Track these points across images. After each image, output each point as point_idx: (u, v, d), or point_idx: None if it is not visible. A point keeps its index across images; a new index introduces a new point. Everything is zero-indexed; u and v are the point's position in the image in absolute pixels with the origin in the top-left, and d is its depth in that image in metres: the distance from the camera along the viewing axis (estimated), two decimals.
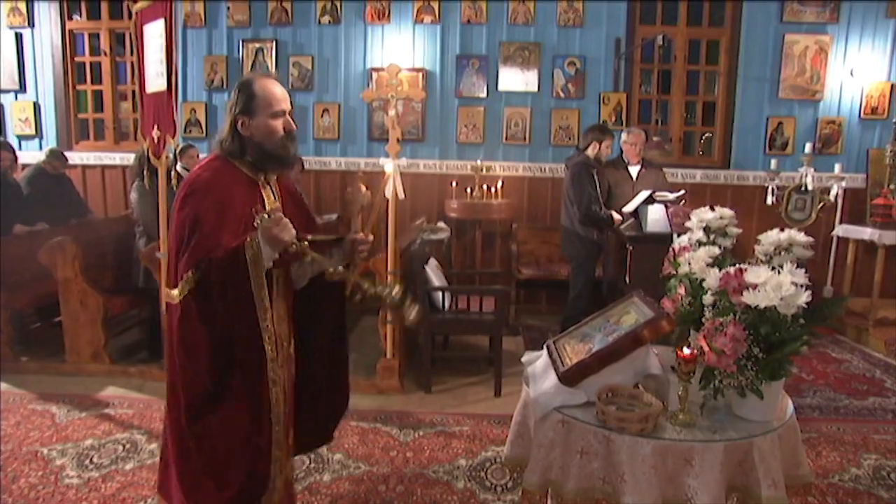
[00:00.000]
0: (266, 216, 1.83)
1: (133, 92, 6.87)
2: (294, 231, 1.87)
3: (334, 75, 6.50)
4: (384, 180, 2.12)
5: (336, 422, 2.43)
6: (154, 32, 4.12)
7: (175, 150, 5.25)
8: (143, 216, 4.80)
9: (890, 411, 4.15)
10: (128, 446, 3.46)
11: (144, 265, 4.69)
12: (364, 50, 6.44)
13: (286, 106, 2.02)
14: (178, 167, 5.33)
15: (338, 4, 6.39)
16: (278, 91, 2.00)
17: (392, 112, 4.19)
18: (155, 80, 4.18)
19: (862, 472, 3.28)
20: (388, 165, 2.26)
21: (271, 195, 2.10)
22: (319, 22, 6.44)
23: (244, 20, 6.50)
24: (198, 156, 5.69)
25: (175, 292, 1.89)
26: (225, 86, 6.60)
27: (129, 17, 4.61)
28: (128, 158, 6.04)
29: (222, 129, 2.04)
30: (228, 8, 6.49)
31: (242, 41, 6.52)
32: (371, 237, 2.21)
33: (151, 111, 4.26)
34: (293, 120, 2.07)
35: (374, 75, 6.28)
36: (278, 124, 2.00)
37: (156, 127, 4.21)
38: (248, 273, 1.84)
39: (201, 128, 6.68)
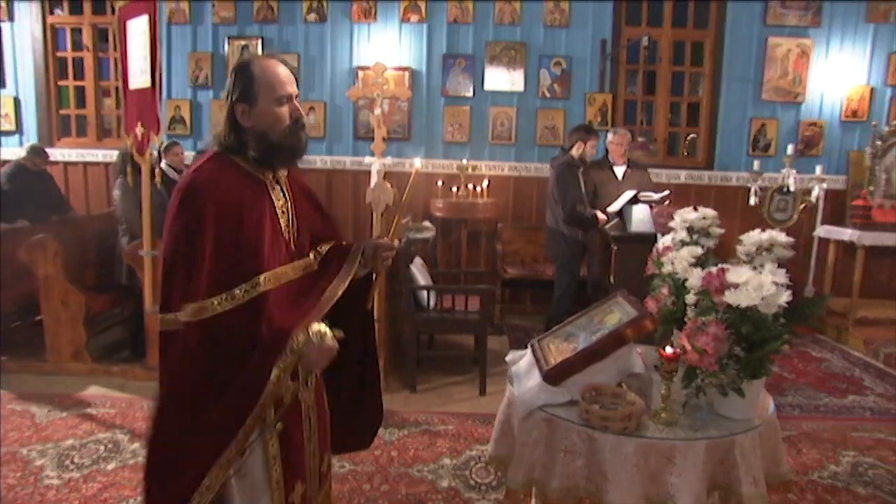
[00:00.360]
0: (319, 335, 1.61)
1: (116, 88, 6.80)
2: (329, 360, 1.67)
3: (320, 73, 6.48)
4: (410, 179, 1.91)
5: (373, 432, 2.20)
6: (137, 29, 4.09)
7: (159, 148, 5.23)
8: (126, 214, 4.76)
9: (868, 409, 4.21)
10: (110, 446, 3.43)
11: (127, 263, 4.65)
12: (350, 48, 6.42)
13: (292, 89, 1.74)
14: (163, 164, 5.30)
15: (324, 3, 6.37)
16: (282, 72, 1.72)
17: (377, 111, 4.20)
18: (138, 77, 4.15)
19: (840, 469, 3.33)
20: (416, 161, 2.05)
21: (281, 196, 1.83)
22: (305, 20, 6.42)
23: (230, 17, 6.46)
24: (182, 153, 5.66)
25: (170, 317, 1.60)
26: (210, 83, 6.56)
27: (112, 12, 4.57)
28: (111, 155, 5.98)
29: (219, 122, 1.76)
30: (214, 5, 6.45)
31: (228, 38, 6.48)
32: (396, 242, 1.95)
33: (135, 108, 4.24)
34: (300, 106, 1.80)
35: (360, 74, 6.26)
36: (284, 111, 1.71)
37: (139, 124, 4.17)
38: (264, 382, 1.56)
39: (186, 125, 6.63)
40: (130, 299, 4.89)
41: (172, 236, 1.62)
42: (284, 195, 1.84)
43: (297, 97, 1.76)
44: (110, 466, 3.20)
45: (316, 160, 6.55)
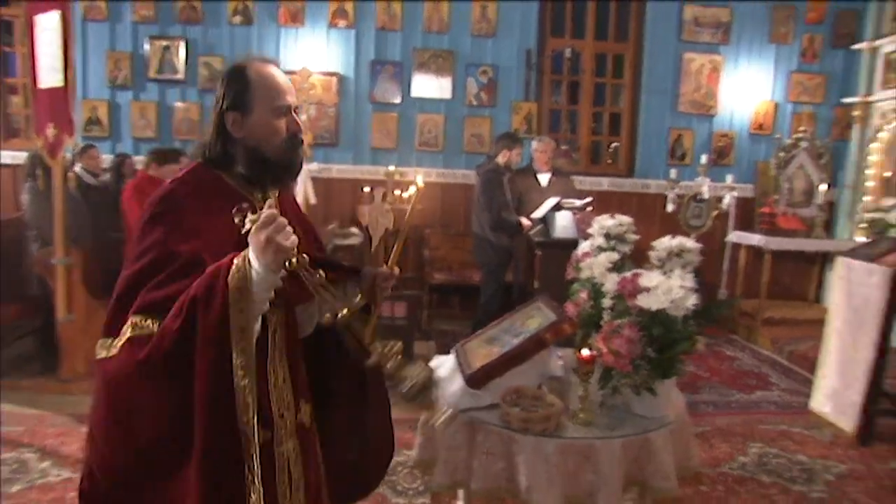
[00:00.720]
0: (253, 217, 1.31)
1: (24, 85, 6.44)
2: (296, 237, 1.34)
3: None
4: (412, 198, 1.69)
5: (379, 475, 1.96)
6: (47, 24, 3.91)
7: (73, 150, 5.00)
8: (36, 219, 4.52)
9: (773, 403, 4.49)
10: (15, 466, 3.23)
11: (38, 272, 4.42)
12: (277, 52, 6.32)
13: (292, 100, 1.57)
14: (77, 168, 5.08)
15: (250, 5, 6.25)
16: (281, 80, 1.56)
17: (304, 116, 4.16)
18: (49, 75, 3.96)
19: (748, 460, 3.53)
20: (419, 179, 1.83)
21: None
22: (231, 22, 6.28)
23: (150, 16, 6.24)
24: (99, 156, 5.44)
25: (116, 344, 1.35)
26: (130, 84, 6.31)
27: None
28: (19, 157, 5.67)
29: (206, 131, 1.58)
30: (133, 2, 6.22)
31: (149, 38, 6.26)
32: (397, 270, 1.73)
33: (45, 108, 4.04)
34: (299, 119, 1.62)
35: (287, 78, 6.17)
36: (281, 124, 1.54)
37: (51, 125, 3.99)
38: (225, 319, 1.28)
39: (103, 127, 6.35)
40: (42, 310, 4.64)
41: (138, 254, 1.41)
42: None
43: (295, 109, 1.59)
44: (15, 488, 3.02)
45: None
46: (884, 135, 6.00)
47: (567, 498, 1.97)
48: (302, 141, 1.59)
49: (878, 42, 6.04)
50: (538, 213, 4.97)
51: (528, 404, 2.08)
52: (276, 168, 1.56)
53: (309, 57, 6.17)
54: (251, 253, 1.30)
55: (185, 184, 1.51)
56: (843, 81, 6.65)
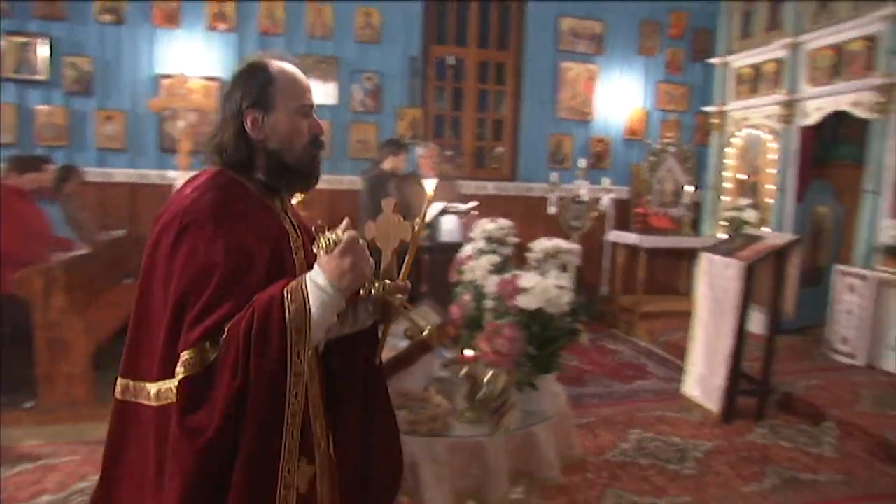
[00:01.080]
0: (331, 236, 1.24)
1: None
2: (372, 263, 1.29)
3: (117, 80, 5.99)
4: (424, 208, 1.57)
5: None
6: None
7: None
8: None
9: (650, 391, 4.80)
10: None
11: None
12: (151, 54, 6.01)
13: (312, 100, 1.48)
14: None
15: (121, 4, 5.91)
16: (303, 80, 1.46)
17: (181, 123, 4.00)
18: None
19: (629, 446, 3.76)
20: (428, 187, 1.68)
21: (291, 227, 1.50)
22: (99, 20, 5.90)
23: (3, 9, 5.72)
24: None
25: (168, 385, 1.26)
26: None
27: None
28: None
29: (220, 131, 1.43)
30: None
31: (5, 34, 5.75)
32: (409, 284, 1.58)
33: None
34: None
35: (164, 83, 5.90)
36: (304, 125, 1.44)
37: None
38: (282, 349, 1.22)
39: None
40: None
41: (172, 278, 1.28)
42: (295, 228, 1.52)
43: (314, 110, 1.49)
44: None
45: (116, 173, 6.03)
46: (737, 141, 6.59)
47: (457, 494, 2.03)
48: (323, 144, 1.51)
49: (728, 58, 6.64)
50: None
51: (416, 406, 2.12)
52: (298, 175, 1.47)
53: (186, 61, 5.92)
54: (320, 277, 1.25)
55: (209, 191, 1.38)
56: (703, 92, 7.24)
